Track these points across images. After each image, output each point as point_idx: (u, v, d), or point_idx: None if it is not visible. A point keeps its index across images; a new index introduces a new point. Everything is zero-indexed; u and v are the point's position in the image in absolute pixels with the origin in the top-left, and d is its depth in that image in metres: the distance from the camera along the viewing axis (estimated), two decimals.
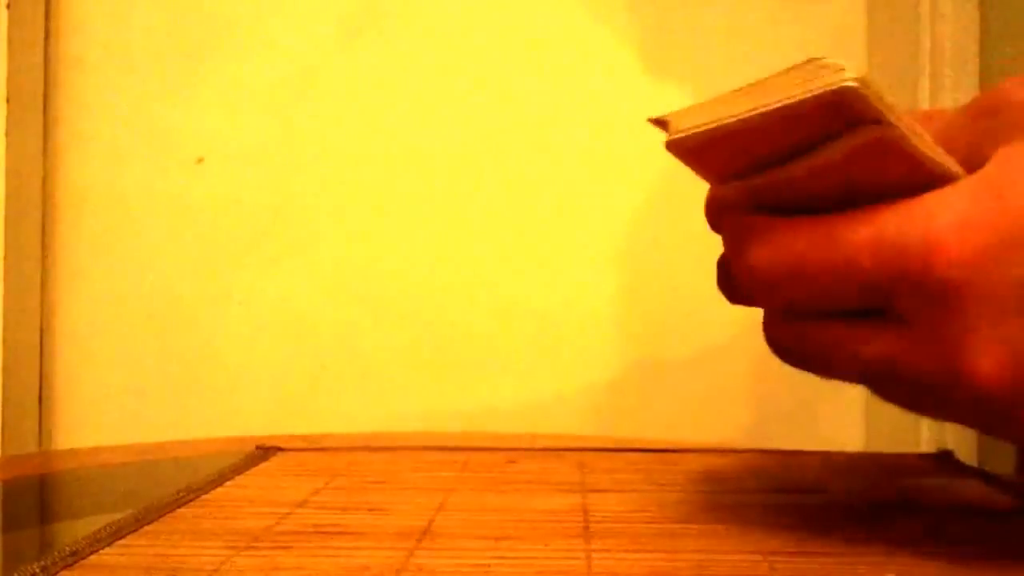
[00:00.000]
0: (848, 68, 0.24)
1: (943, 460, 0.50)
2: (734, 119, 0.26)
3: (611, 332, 0.90)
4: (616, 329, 0.89)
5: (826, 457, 0.52)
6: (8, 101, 0.85)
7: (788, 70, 0.26)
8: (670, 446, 0.55)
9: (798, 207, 0.30)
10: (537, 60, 0.91)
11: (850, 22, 0.90)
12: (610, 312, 0.89)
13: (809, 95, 0.25)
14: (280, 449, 0.54)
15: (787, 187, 0.29)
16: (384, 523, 0.37)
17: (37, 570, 0.31)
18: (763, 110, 0.25)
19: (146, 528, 0.36)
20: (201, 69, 0.91)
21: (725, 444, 0.58)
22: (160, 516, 0.38)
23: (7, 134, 0.85)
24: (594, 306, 0.89)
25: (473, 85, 0.91)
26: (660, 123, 0.30)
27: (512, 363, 0.90)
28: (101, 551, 0.33)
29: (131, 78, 0.91)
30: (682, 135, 0.28)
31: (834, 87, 0.24)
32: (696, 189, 0.36)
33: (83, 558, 0.32)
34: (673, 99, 0.90)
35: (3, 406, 0.85)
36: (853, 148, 0.27)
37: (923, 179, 0.28)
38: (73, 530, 0.41)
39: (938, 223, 0.28)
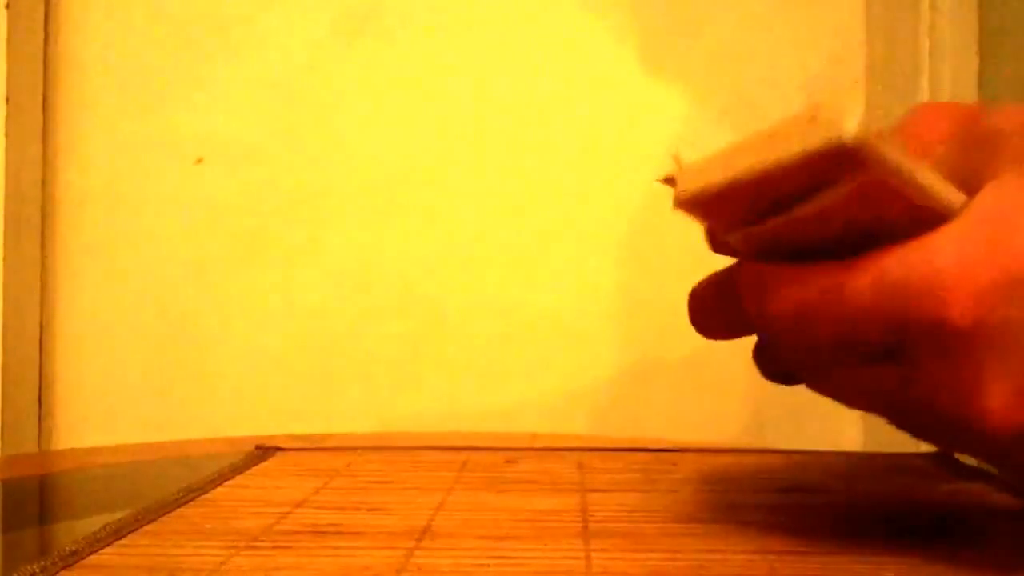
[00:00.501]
0: (848, 114, 0.24)
1: (943, 460, 0.50)
2: (739, 175, 0.27)
3: (611, 332, 0.90)
4: (616, 329, 0.89)
5: (826, 457, 0.52)
6: (7, 101, 0.85)
7: (789, 119, 0.26)
8: (669, 446, 0.55)
9: (808, 250, 0.30)
10: (537, 59, 0.91)
11: (849, 22, 0.90)
12: (610, 312, 0.89)
13: (810, 150, 0.25)
14: (280, 449, 0.54)
15: (792, 232, 0.30)
16: (384, 523, 0.37)
17: (37, 570, 0.30)
18: (766, 165, 0.26)
19: (146, 528, 0.36)
20: (201, 69, 0.91)
21: (725, 444, 0.58)
22: (160, 516, 0.38)
23: (6, 134, 0.85)
24: (594, 306, 0.89)
25: (473, 85, 0.91)
26: (669, 181, 0.30)
27: (511, 363, 0.90)
28: (101, 551, 0.33)
29: (130, 78, 0.91)
30: (690, 193, 0.29)
31: (835, 142, 0.24)
32: None
33: (83, 558, 0.32)
34: (672, 99, 0.90)
35: (3, 406, 0.85)
36: (851, 191, 0.27)
37: (924, 214, 0.29)
38: (73, 530, 0.41)
39: (939, 265, 0.28)
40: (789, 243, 0.30)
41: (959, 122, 0.33)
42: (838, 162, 0.25)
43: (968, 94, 0.81)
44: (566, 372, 0.90)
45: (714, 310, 0.36)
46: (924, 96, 0.83)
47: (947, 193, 0.29)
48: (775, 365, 0.37)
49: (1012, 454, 0.29)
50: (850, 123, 0.24)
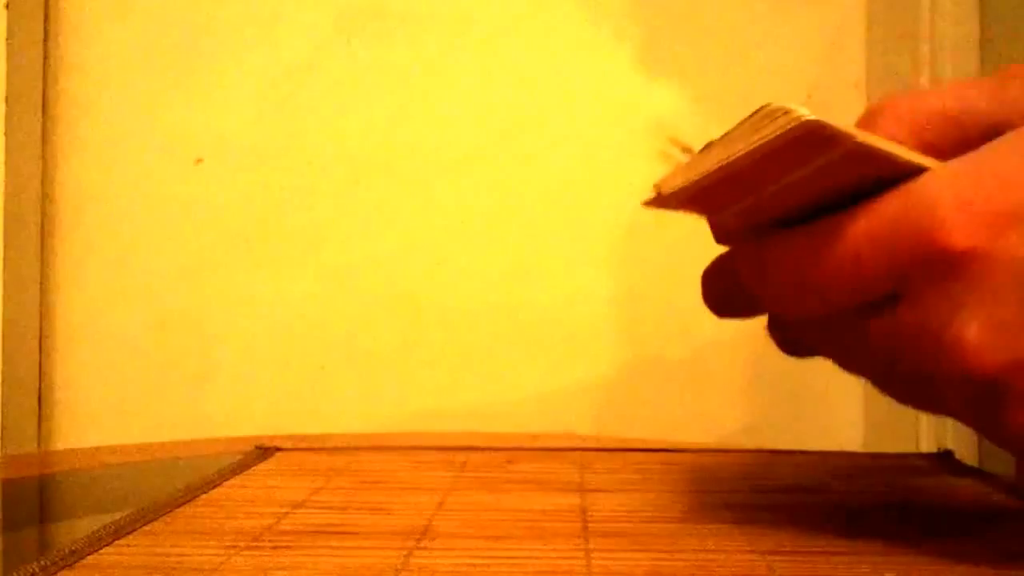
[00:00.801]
0: (799, 106, 0.26)
1: (943, 460, 0.50)
2: (710, 168, 0.29)
3: (610, 332, 0.90)
4: (615, 329, 0.89)
5: (825, 457, 0.53)
6: (7, 101, 0.85)
7: (746, 119, 0.28)
8: (669, 446, 0.55)
9: (797, 222, 0.31)
10: (536, 60, 0.91)
11: (849, 22, 0.90)
12: (609, 312, 0.89)
13: (776, 134, 0.26)
14: (279, 449, 0.54)
15: (775, 207, 0.30)
16: (383, 523, 0.37)
17: (36, 570, 0.30)
18: (737, 155, 0.28)
19: (146, 528, 0.36)
20: (200, 69, 0.91)
21: (724, 444, 0.58)
22: (160, 516, 0.38)
23: (6, 134, 0.85)
24: (593, 306, 0.89)
25: (473, 85, 0.91)
26: (656, 197, 0.32)
27: (511, 363, 0.90)
28: (101, 551, 0.33)
29: (130, 78, 0.91)
30: (672, 189, 0.31)
31: (797, 123, 0.26)
32: None
33: (82, 558, 0.32)
34: (671, 99, 0.90)
35: (3, 406, 0.85)
36: (820, 167, 0.28)
37: (904, 173, 0.29)
38: (72, 530, 0.41)
39: (938, 197, 0.28)
40: (776, 218, 0.31)
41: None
42: (801, 145, 0.26)
43: None
44: (566, 371, 0.90)
45: (724, 289, 0.36)
46: None
47: (920, 160, 0.29)
48: (788, 335, 0.37)
49: (988, 405, 0.29)
50: (802, 107, 0.26)
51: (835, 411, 0.88)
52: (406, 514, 0.38)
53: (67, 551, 0.32)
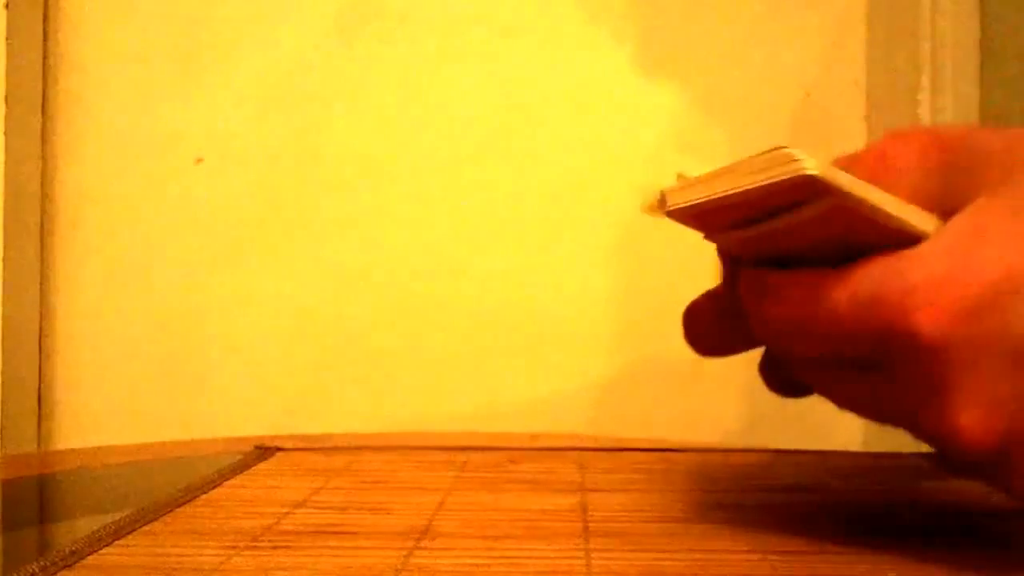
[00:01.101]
0: (806, 153, 0.28)
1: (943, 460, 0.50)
2: (717, 195, 0.31)
3: (611, 332, 0.90)
4: (616, 329, 0.89)
5: (826, 457, 0.52)
6: (7, 101, 0.85)
7: (759, 154, 0.29)
8: (670, 446, 0.55)
9: (795, 257, 0.32)
10: (536, 60, 0.91)
11: (849, 21, 0.90)
12: (610, 312, 0.89)
13: (780, 178, 0.28)
14: (280, 449, 0.54)
15: (769, 242, 0.32)
16: (384, 523, 0.37)
17: (36, 570, 0.30)
18: (739, 189, 0.29)
19: (145, 528, 0.36)
20: (200, 69, 0.91)
21: (725, 444, 0.58)
22: (160, 516, 0.38)
23: (5, 134, 0.84)
24: (594, 306, 0.89)
25: (473, 86, 0.91)
26: (651, 208, 0.35)
27: (511, 363, 0.90)
28: (101, 551, 0.33)
29: (130, 78, 0.91)
30: (679, 206, 0.32)
31: (801, 172, 0.28)
32: None
33: (82, 558, 0.32)
34: (670, 100, 0.90)
35: (2, 406, 0.84)
36: (815, 215, 0.29)
37: (896, 236, 0.30)
38: (72, 530, 0.41)
39: (913, 281, 0.29)
40: (772, 250, 0.32)
41: (932, 147, 0.33)
42: (802, 190, 0.28)
43: (969, 93, 0.81)
44: (567, 371, 0.89)
45: (710, 325, 0.38)
46: (926, 95, 0.82)
47: (916, 219, 0.30)
48: (781, 375, 0.38)
49: (987, 468, 0.30)
50: (810, 159, 0.27)
51: (835, 411, 0.87)
52: (406, 514, 0.38)
53: (67, 551, 0.32)
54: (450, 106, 0.91)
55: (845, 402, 0.33)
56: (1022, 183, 0.30)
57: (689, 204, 0.32)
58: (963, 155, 0.32)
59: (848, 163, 0.33)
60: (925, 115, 0.81)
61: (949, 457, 0.30)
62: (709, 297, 0.37)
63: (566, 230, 0.90)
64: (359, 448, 0.54)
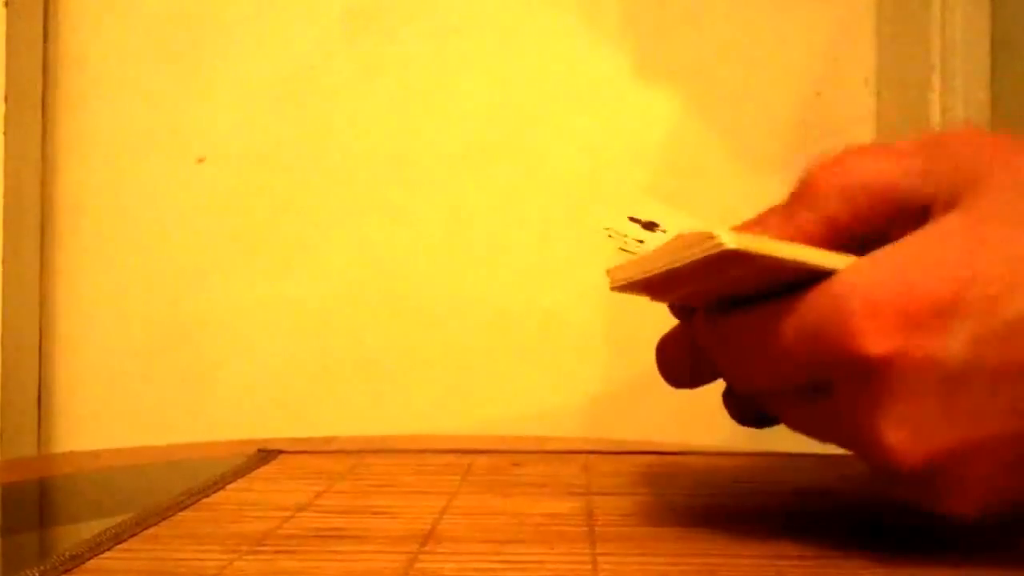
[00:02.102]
0: (726, 233, 0.30)
1: None
2: (651, 272, 0.34)
3: (615, 334, 0.89)
4: (620, 331, 0.89)
5: (833, 460, 0.52)
6: (7, 100, 0.85)
7: (683, 236, 0.32)
8: (676, 449, 0.55)
9: (741, 299, 0.34)
10: (537, 60, 0.91)
11: (859, 19, 0.90)
12: (614, 314, 0.89)
13: (704, 255, 0.30)
14: (282, 452, 0.54)
15: (715, 294, 0.34)
16: (387, 527, 0.37)
17: (36, 574, 0.30)
18: (674, 265, 0.32)
19: (147, 532, 0.36)
20: (202, 68, 0.90)
21: (731, 447, 0.57)
22: (161, 520, 0.38)
23: (5, 134, 0.84)
24: (598, 309, 0.89)
25: (473, 86, 0.91)
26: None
27: (516, 366, 0.89)
28: (101, 555, 0.33)
29: (130, 77, 0.91)
30: (621, 283, 0.36)
31: (721, 248, 0.30)
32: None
33: (83, 562, 0.32)
34: (673, 101, 0.90)
35: (2, 408, 0.84)
36: (743, 274, 0.32)
37: (815, 275, 0.31)
38: (73, 534, 0.40)
39: (853, 305, 0.29)
40: (716, 299, 0.35)
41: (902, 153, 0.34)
42: (726, 261, 0.30)
43: (980, 91, 0.81)
44: (571, 375, 0.89)
45: (677, 361, 0.39)
46: (936, 94, 0.82)
47: (831, 261, 0.31)
48: (741, 407, 0.39)
49: (914, 487, 0.30)
50: (728, 234, 0.30)
51: None
52: (411, 518, 0.38)
53: (67, 556, 0.32)
54: (451, 108, 0.90)
55: (798, 426, 0.34)
56: (991, 199, 0.30)
57: (631, 282, 0.35)
58: (934, 149, 0.33)
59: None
60: (935, 114, 0.81)
61: (879, 474, 0.31)
62: (673, 335, 0.39)
63: (570, 234, 0.89)
64: (362, 451, 0.54)
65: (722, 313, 0.34)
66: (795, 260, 0.31)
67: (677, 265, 0.32)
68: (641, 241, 0.40)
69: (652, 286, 0.35)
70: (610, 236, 0.41)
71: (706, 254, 0.30)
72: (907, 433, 0.29)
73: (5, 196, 0.84)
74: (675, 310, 0.40)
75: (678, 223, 0.40)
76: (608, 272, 0.37)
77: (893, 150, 0.34)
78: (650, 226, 0.41)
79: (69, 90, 0.90)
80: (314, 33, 0.91)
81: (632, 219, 0.41)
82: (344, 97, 0.91)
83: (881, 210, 0.33)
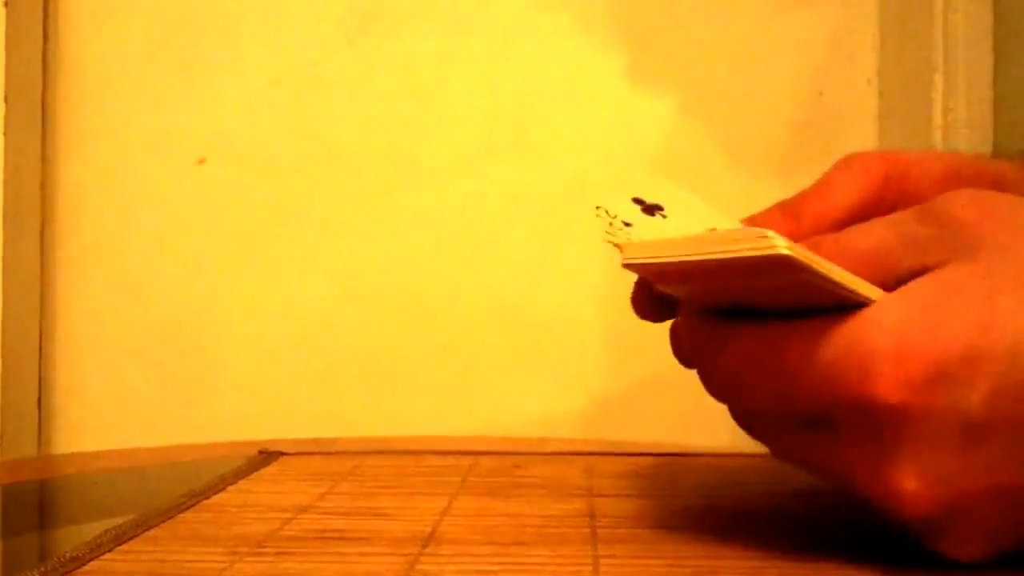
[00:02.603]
0: (779, 237, 0.28)
1: None
2: (683, 258, 0.31)
3: (618, 338, 0.89)
4: (622, 332, 0.89)
5: None
6: (7, 100, 0.84)
7: (727, 231, 0.31)
8: (678, 450, 0.55)
9: (741, 307, 0.32)
10: (538, 61, 0.91)
11: (861, 19, 0.90)
12: (615, 316, 0.89)
13: (753, 253, 0.29)
14: (283, 454, 0.54)
15: (723, 296, 0.33)
16: (389, 528, 0.36)
17: None
18: (714, 257, 0.30)
19: (148, 533, 0.36)
20: (202, 69, 0.90)
21: (734, 448, 0.57)
22: (162, 521, 0.38)
23: (5, 134, 0.84)
24: (599, 310, 0.89)
25: (473, 87, 0.91)
26: (618, 246, 0.36)
27: (517, 367, 0.89)
28: (102, 557, 0.33)
29: (131, 77, 0.91)
30: (636, 260, 0.34)
31: (774, 251, 0.28)
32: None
33: (84, 564, 0.32)
34: (681, 102, 0.90)
35: (2, 409, 0.84)
36: (777, 283, 0.30)
37: (845, 300, 0.30)
38: (74, 535, 0.40)
39: (874, 347, 0.29)
40: (722, 302, 0.33)
41: (888, 177, 0.36)
42: (771, 266, 0.29)
43: (982, 92, 0.81)
44: (572, 377, 0.89)
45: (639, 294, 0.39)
46: (938, 94, 0.82)
47: (866, 290, 0.30)
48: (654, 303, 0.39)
49: (924, 531, 0.30)
50: (781, 239, 0.28)
51: None
52: (412, 520, 0.38)
53: (68, 557, 0.32)
54: (451, 108, 0.90)
55: (787, 455, 0.33)
56: (995, 258, 0.30)
57: (647, 261, 0.33)
58: (937, 211, 0.32)
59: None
60: (937, 114, 0.81)
61: (888, 516, 0.31)
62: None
63: (571, 235, 0.89)
64: (364, 453, 0.54)
65: (724, 319, 0.33)
66: (840, 281, 0.30)
67: (716, 257, 0.30)
68: (628, 224, 0.38)
69: (668, 273, 0.34)
70: (599, 216, 0.39)
71: (756, 253, 0.29)
72: (921, 481, 0.29)
73: (5, 196, 0.84)
74: (657, 302, 0.38)
75: (685, 210, 0.38)
76: (623, 246, 0.35)
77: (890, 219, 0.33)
78: (651, 210, 0.39)
79: (69, 90, 0.90)
80: (314, 34, 0.91)
81: (635, 200, 0.39)
82: (344, 97, 0.91)
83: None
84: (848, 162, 0.38)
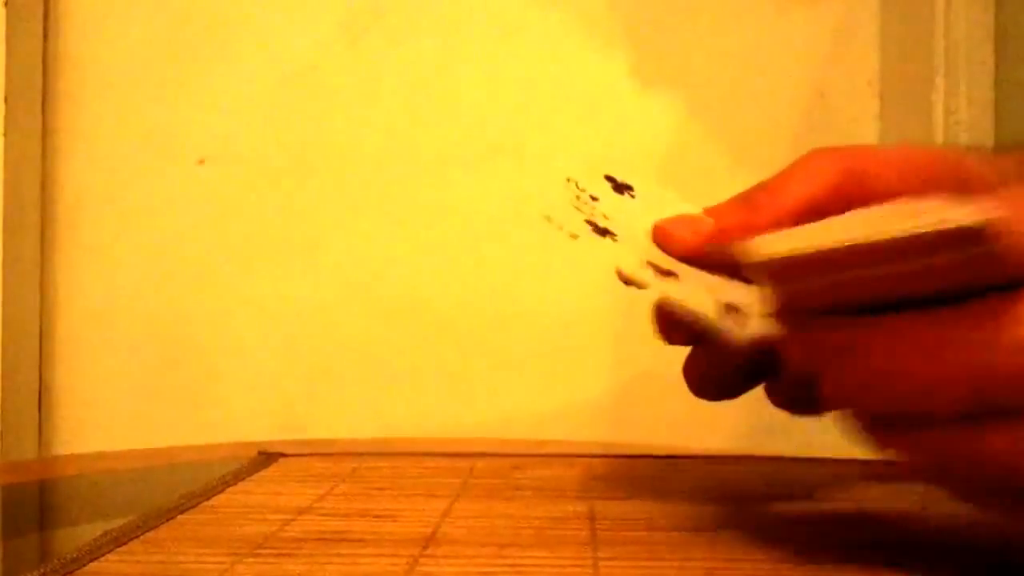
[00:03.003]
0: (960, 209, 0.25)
1: None
2: (851, 242, 0.27)
3: (617, 339, 0.89)
4: (622, 336, 0.89)
5: (839, 464, 0.52)
6: (7, 100, 0.84)
7: (886, 207, 0.27)
8: (678, 452, 0.55)
9: (866, 308, 0.29)
10: (539, 63, 0.90)
11: (862, 20, 0.90)
12: (616, 319, 0.89)
13: (956, 224, 0.25)
14: (283, 455, 0.54)
15: (865, 289, 0.29)
16: (389, 530, 0.36)
17: None
18: (883, 236, 0.26)
19: (147, 535, 0.36)
20: (202, 69, 0.90)
21: (735, 450, 0.57)
22: (161, 523, 0.38)
23: (5, 134, 0.84)
24: (600, 313, 0.89)
25: (474, 89, 0.90)
26: (745, 252, 0.31)
27: (518, 370, 0.89)
28: (102, 558, 0.33)
29: (131, 78, 0.90)
30: (768, 257, 0.29)
31: (978, 220, 0.25)
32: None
33: (83, 565, 0.32)
34: (681, 103, 0.90)
35: (2, 410, 0.84)
36: (951, 261, 0.27)
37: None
38: (73, 537, 0.40)
39: None
40: (849, 302, 0.29)
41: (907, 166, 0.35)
42: (952, 239, 0.26)
43: (983, 93, 0.81)
44: (572, 379, 0.89)
45: (712, 376, 0.39)
46: (939, 96, 0.82)
47: None
48: (790, 392, 0.38)
49: None
50: (963, 211, 0.25)
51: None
52: (412, 521, 0.38)
53: (68, 558, 0.32)
54: (452, 110, 0.90)
55: (942, 457, 0.29)
56: None
57: (785, 256, 0.29)
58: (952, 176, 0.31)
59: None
60: (938, 115, 0.81)
61: None
62: (698, 353, 0.39)
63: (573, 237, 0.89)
64: (364, 454, 0.54)
65: (851, 316, 0.29)
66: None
67: (920, 232, 0.26)
68: (595, 199, 0.36)
69: (813, 265, 0.28)
70: (568, 187, 0.38)
71: (961, 224, 0.25)
72: None
73: (5, 196, 0.84)
74: (680, 335, 0.37)
75: (655, 195, 0.37)
76: (753, 242, 0.30)
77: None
78: (621, 188, 0.38)
79: (68, 90, 0.90)
80: (315, 34, 0.91)
81: (607, 177, 0.38)
82: (345, 98, 0.91)
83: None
84: (809, 157, 0.38)
